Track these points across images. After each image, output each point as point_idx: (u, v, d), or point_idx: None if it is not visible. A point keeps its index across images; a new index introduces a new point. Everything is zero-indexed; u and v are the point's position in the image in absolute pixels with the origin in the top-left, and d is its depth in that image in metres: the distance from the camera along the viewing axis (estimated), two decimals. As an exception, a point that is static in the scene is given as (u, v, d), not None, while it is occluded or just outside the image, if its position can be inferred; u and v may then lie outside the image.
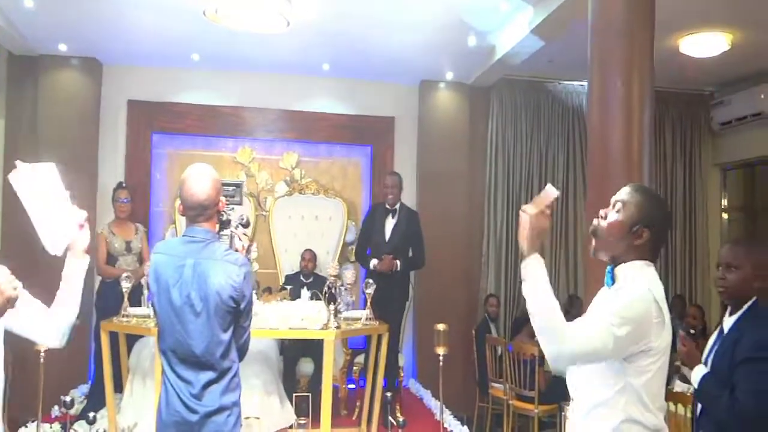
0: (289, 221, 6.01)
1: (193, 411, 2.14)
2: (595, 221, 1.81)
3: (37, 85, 5.76)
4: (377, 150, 6.45)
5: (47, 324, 1.87)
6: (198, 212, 2.20)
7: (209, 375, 2.17)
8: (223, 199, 2.27)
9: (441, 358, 4.39)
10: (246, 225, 2.57)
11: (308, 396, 4.16)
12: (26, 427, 4.22)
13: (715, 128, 6.57)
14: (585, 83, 4.11)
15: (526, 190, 6.43)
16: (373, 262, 4.87)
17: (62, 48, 5.64)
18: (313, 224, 6.00)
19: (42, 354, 3.88)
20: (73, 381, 5.27)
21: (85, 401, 4.76)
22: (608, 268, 1.79)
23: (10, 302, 1.65)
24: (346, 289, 4.55)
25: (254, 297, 3.98)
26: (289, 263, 5.78)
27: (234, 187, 2.72)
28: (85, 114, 5.87)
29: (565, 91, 6.53)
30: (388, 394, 4.18)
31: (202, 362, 2.16)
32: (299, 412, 4.34)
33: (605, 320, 1.62)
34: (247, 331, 2.29)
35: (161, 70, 6.09)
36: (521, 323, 5.63)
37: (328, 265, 5.70)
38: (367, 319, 4.26)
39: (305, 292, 5.10)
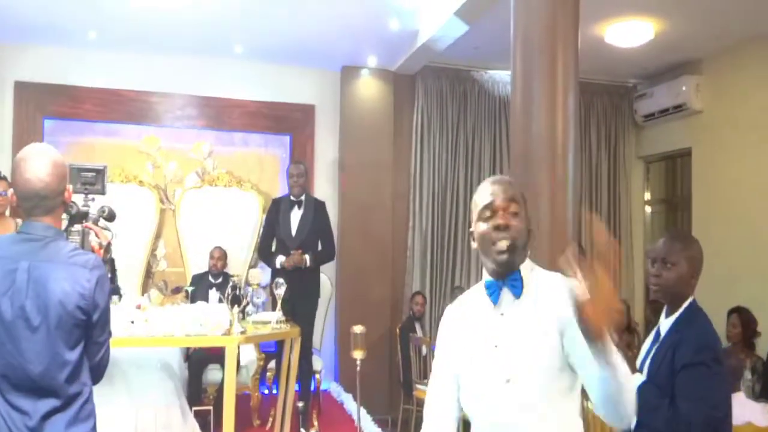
0: (198, 215, 5.55)
1: (30, 449, 1.73)
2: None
3: None
4: (296, 139, 6.08)
5: None
6: (34, 203, 1.78)
7: (51, 403, 1.76)
8: (69, 187, 1.86)
9: (358, 362, 4.10)
10: (109, 218, 2.14)
11: (210, 409, 3.78)
12: None
13: (639, 120, 6.55)
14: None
15: (452, 181, 6.21)
16: (280, 259, 4.51)
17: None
18: (225, 219, 5.55)
19: None
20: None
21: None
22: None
23: None
24: (255, 290, 4.17)
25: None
26: (197, 261, 5.33)
27: (94, 173, 2.28)
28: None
29: (492, 81, 6.35)
30: (300, 404, 3.85)
31: (41, 388, 1.75)
32: (202, 426, 3.96)
33: None
34: (104, 347, 1.89)
35: (55, 49, 5.50)
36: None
37: (242, 264, 5.33)
38: (277, 321, 3.90)
39: (213, 294, 4.72)
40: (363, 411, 4.57)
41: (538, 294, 1.55)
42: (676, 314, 2.05)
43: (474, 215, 1.59)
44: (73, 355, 1.79)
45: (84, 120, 5.63)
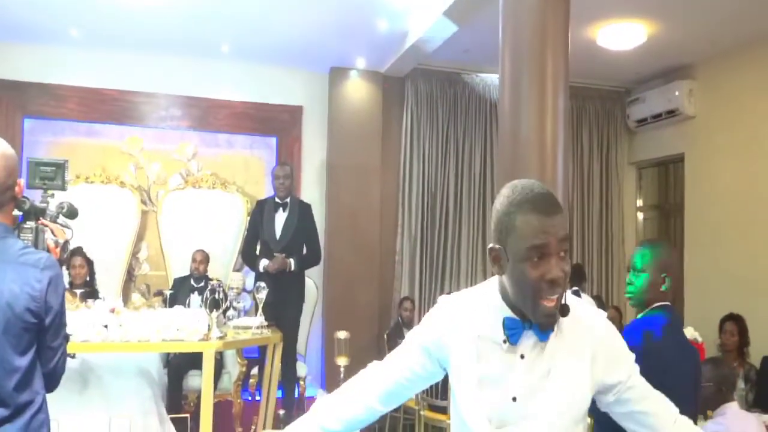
0: (181, 218, 5.42)
1: (-24, 462, 1.61)
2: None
3: None
4: (283, 141, 5.97)
5: None
6: (-20, 199, 1.67)
7: (0, 413, 1.64)
8: (20, 181, 1.74)
9: (342, 369, 3.98)
10: (70, 215, 2.02)
11: (187, 417, 3.65)
12: None
13: (632, 126, 6.48)
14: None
15: (442, 184, 6.11)
16: (263, 262, 4.39)
17: None
18: (209, 222, 5.43)
19: None
20: None
21: None
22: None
23: None
24: (237, 294, 4.06)
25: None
26: (179, 264, 5.20)
27: (54, 168, 2.16)
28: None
29: (483, 84, 6.26)
30: (282, 411, 3.74)
31: (-12, 396, 1.64)
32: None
33: None
34: (59, 352, 1.77)
35: (36, 47, 5.38)
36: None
37: (225, 268, 5.21)
38: (258, 326, 3.78)
39: (195, 298, 4.60)
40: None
41: (566, 332, 1.31)
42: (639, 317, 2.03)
43: (509, 242, 1.26)
44: (23, 362, 1.67)
45: (66, 120, 5.51)
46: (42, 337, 1.71)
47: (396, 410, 5.19)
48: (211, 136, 5.84)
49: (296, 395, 4.63)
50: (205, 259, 4.88)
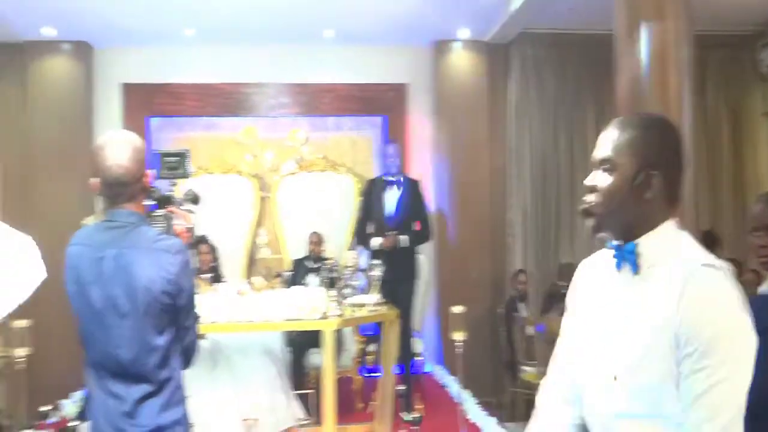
0: (295, 202, 5.61)
1: (125, 433, 1.76)
2: (586, 199, 1.27)
3: (26, 73, 5.48)
4: (390, 120, 5.99)
5: None
6: (117, 191, 1.79)
7: (144, 388, 1.78)
8: (149, 171, 1.85)
9: (460, 343, 3.97)
10: (194, 201, 2.14)
11: (313, 392, 3.80)
12: (20, 435, 3.97)
13: (765, 72, 5.87)
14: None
15: (553, 153, 5.89)
16: (376, 240, 4.43)
17: (50, 32, 5.34)
18: (322, 204, 5.58)
19: (22, 359, 3.61)
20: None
21: (81, 407, 4.49)
22: (613, 246, 1.25)
23: None
24: (353, 273, 4.14)
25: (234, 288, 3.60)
26: (296, 247, 5.39)
27: (177, 158, 2.29)
28: (78, 101, 5.60)
29: (593, 42, 5.90)
30: (401, 387, 3.79)
31: (133, 374, 1.77)
32: (306, 410, 3.99)
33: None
34: (191, 331, 1.88)
35: (155, 50, 5.74)
36: (552, 300, 5.15)
37: (339, 248, 5.33)
38: (374, 304, 3.84)
39: (313, 278, 4.74)
40: (467, 394, 4.45)
41: (657, 271, 1.20)
42: None
43: None
44: (161, 341, 1.79)
45: (185, 116, 5.84)
46: (176, 318, 1.82)
47: (514, 385, 5.12)
48: (320, 120, 5.98)
49: (413, 371, 4.67)
50: (320, 240, 5.03)
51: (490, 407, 4.53)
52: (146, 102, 5.76)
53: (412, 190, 4.62)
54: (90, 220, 4.66)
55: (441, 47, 5.87)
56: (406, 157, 5.69)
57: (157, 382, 1.79)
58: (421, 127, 5.98)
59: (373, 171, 5.84)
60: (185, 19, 5.18)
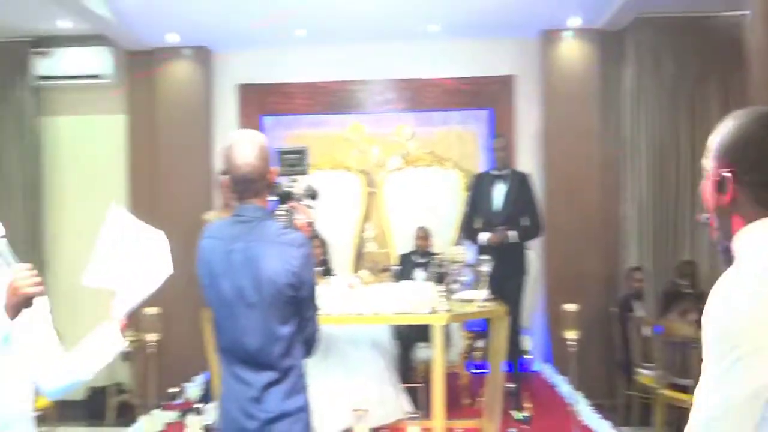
0: (402, 197, 5.67)
1: (252, 417, 1.85)
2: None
3: (153, 78, 5.88)
4: (496, 113, 5.89)
5: (51, 363, 1.69)
6: (244, 187, 1.89)
7: (269, 376, 1.86)
8: (273, 168, 1.94)
9: (573, 342, 3.86)
10: (313, 197, 2.22)
11: (422, 386, 3.82)
12: (150, 414, 4.28)
13: None
14: (744, 12, 3.33)
15: (672, 143, 5.55)
16: (484, 235, 4.38)
17: (173, 39, 5.71)
18: (428, 198, 5.60)
19: (152, 343, 3.90)
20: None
21: (204, 390, 4.77)
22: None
23: (28, 301, 1.46)
24: (460, 268, 4.12)
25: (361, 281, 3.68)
26: (402, 241, 5.44)
27: (296, 155, 2.38)
28: (198, 102, 5.93)
29: (717, 26, 5.51)
30: (511, 385, 3.73)
31: (259, 361, 1.87)
32: (414, 403, 4.02)
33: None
34: (312, 322, 1.95)
35: (268, 51, 5.97)
36: (671, 300, 4.88)
37: (445, 243, 5.33)
38: (482, 300, 3.80)
39: (419, 273, 4.78)
40: (579, 395, 4.31)
41: None
42: None
43: None
44: (285, 331, 1.87)
45: (295, 114, 6.05)
46: (298, 309, 1.90)
47: (629, 388, 4.91)
48: (425, 115, 5.99)
49: (522, 369, 4.58)
50: (427, 235, 5.05)
51: (603, 410, 4.35)
52: (260, 101, 6.02)
53: (520, 184, 4.53)
54: (210, 215, 4.95)
55: (550, 37, 5.70)
56: (513, 150, 5.58)
57: (281, 369, 1.87)
58: (528, 120, 5.84)
59: (479, 165, 5.78)
60: (296, 22, 5.36)
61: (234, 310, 1.87)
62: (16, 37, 5.78)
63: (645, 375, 4.67)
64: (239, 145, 1.89)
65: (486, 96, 5.89)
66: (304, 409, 1.91)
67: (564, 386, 4.73)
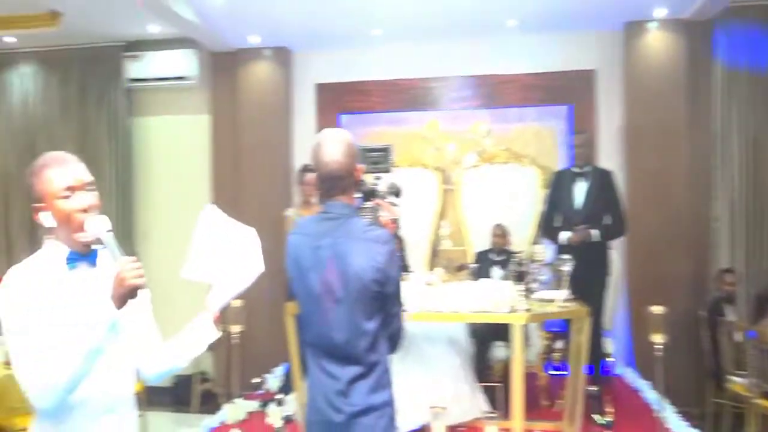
0: (479, 194, 5.61)
1: (339, 410, 1.88)
2: None
3: (236, 78, 6.07)
4: (576, 109, 5.73)
5: (152, 350, 1.79)
6: (331, 184, 1.92)
7: (355, 370, 1.89)
8: (360, 166, 1.97)
9: (659, 346, 3.71)
10: (397, 194, 2.24)
11: (500, 385, 3.78)
12: (233, 402, 4.44)
13: None
14: None
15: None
16: (565, 234, 4.27)
17: (255, 40, 5.88)
18: (505, 196, 5.52)
19: (236, 335, 4.03)
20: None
21: (284, 380, 4.89)
22: None
23: (134, 292, 1.54)
24: (539, 267, 4.04)
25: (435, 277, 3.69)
26: (479, 239, 5.39)
27: (380, 152, 2.41)
28: (278, 101, 6.07)
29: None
30: (594, 388, 3.63)
31: (345, 355, 1.90)
32: (491, 403, 3.98)
33: None
34: (397, 318, 1.97)
35: (345, 50, 6.06)
36: (766, 303, 4.61)
37: (522, 241, 5.24)
38: (563, 300, 3.71)
39: (496, 271, 4.72)
40: (666, 401, 4.15)
41: None
42: None
43: None
44: (371, 326, 1.89)
45: (372, 112, 6.10)
46: (384, 305, 1.91)
47: (719, 395, 4.69)
48: (501, 112, 5.91)
49: (604, 372, 4.45)
50: (505, 233, 4.98)
51: (691, 418, 4.17)
52: (337, 100, 6.11)
53: (602, 181, 4.40)
54: (291, 212, 5.08)
55: (633, 29, 5.49)
56: (594, 147, 5.42)
57: (366, 364, 1.90)
58: (610, 116, 5.65)
59: (558, 162, 5.65)
60: (373, 21, 5.41)
61: (321, 305, 1.91)
62: (110, 42, 6.12)
63: (737, 383, 4.43)
64: (327, 143, 1.92)
65: (565, 91, 5.75)
66: (389, 404, 1.93)
67: (648, 391, 4.55)
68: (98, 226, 1.59)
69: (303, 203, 5.17)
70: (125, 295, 1.54)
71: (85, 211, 1.61)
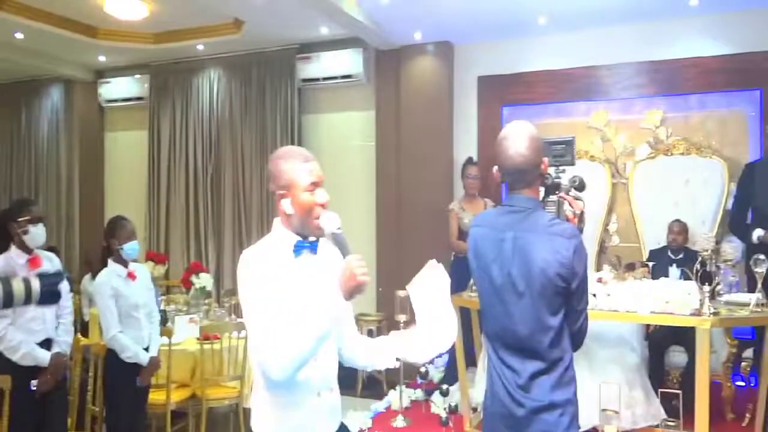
0: (652, 188, 5.26)
1: (520, 404, 1.87)
2: None
3: (399, 74, 6.23)
4: (766, 93, 5.16)
5: (358, 346, 1.93)
6: (516, 178, 1.91)
7: (537, 365, 1.87)
8: (545, 159, 1.93)
9: None
10: (580, 188, 2.17)
11: (679, 393, 3.53)
12: (397, 389, 4.57)
13: None
14: None
15: None
16: (758, 232, 3.85)
17: (418, 37, 5.98)
18: (683, 190, 5.11)
19: (401, 324, 4.14)
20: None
21: (445, 372, 4.95)
22: None
23: (361, 288, 1.63)
24: (727, 267, 3.71)
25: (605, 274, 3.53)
26: (653, 236, 5.05)
27: (563, 145, 2.34)
28: (440, 95, 6.13)
29: None
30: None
31: (527, 349, 1.88)
32: (668, 411, 3.73)
33: None
34: (582, 315, 1.91)
35: (508, 42, 5.98)
36: None
37: (704, 240, 4.83)
38: (756, 304, 3.37)
39: (674, 270, 4.42)
40: None
41: None
42: None
43: None
44: (554, 321, 1.85)
45: (536, 103, 5.94)
46: (568, 301, 1.87)
47: None
48: (679, 99, 5.47)
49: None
50: (683, 229, 4.63)
51: None
52: (500, 92, 6.03)
53: None
54: (454, 206, 5.12)
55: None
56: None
57: (549, 360, 1.87)
58: (812, 99, 5.02)
59: (748, 153, 5.12)
60: (538, 9, 5.26)
61: (503, 297, 1.90)
62: (285, 45, 6.55)
63: None
64: (512, 136, 1.91)
65: (756, 74, 5.18)
66: (572, 402, 1.89)
67: None
68: (332, 222, 1.71)
69: (466, 196, 5.19)
70: (354, 289, 1.62)
71: (323, 206, 1.75)
